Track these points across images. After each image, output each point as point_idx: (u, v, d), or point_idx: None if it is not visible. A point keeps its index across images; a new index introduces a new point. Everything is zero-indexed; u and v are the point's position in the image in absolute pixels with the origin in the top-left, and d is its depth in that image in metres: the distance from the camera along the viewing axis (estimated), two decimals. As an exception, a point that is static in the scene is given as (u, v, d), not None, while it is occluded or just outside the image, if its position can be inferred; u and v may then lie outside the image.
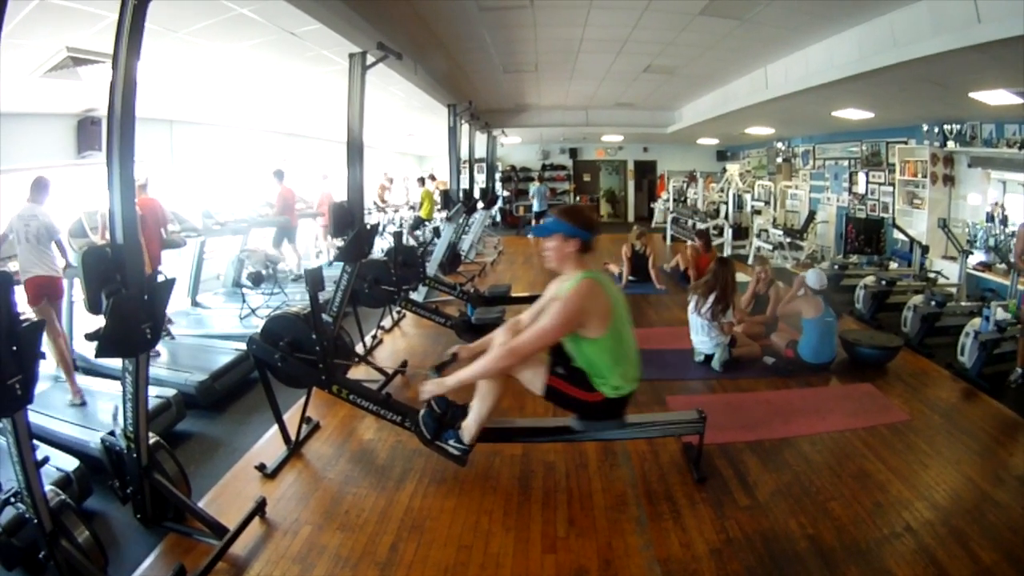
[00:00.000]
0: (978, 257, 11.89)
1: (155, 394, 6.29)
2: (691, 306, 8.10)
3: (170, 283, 4.45)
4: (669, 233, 20.91)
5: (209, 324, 10.31)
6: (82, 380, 7.05)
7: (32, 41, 6.09)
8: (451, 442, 4.94)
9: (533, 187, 24.29)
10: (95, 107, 9.24)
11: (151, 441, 4.56)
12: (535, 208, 23.86)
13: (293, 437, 5.86)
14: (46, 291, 6.83)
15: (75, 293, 7.65)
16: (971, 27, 6.50)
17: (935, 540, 4.35)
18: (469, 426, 4.87)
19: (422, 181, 20.21)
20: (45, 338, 7.06)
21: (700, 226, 17.52)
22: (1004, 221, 11.65)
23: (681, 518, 4.67)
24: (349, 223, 6.85)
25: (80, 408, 6.58)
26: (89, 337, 3.79)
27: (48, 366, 7.01)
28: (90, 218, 8.10)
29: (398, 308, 9.82)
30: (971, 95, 9.57)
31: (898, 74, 8.47)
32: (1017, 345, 7.51)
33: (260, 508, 4.74)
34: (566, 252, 4.51)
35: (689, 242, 16.65)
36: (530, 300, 10.51)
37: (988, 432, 6.16)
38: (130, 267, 3.87)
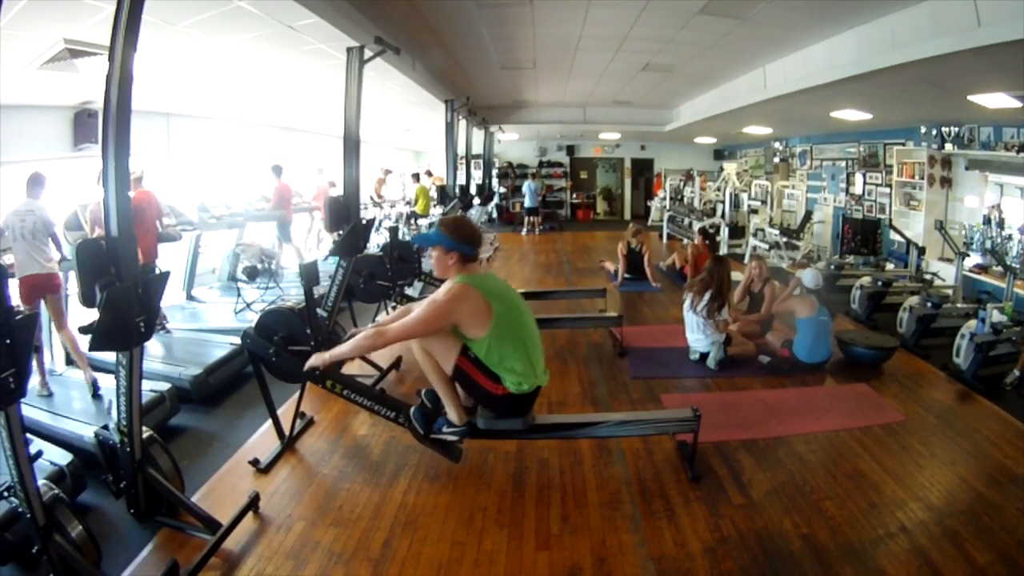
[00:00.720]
0: (974, 259, 11.90)
1: (149, 388, 6.29)
2: (687, 304, 8.10)
3: (165, 276, 4.44)
4: (665, 231, 20.90)
5: (204, 318, 10.32)
6: (75, 373, 7.05)
7: (29, 33, 6.07)
8: (444, 429, 4.96)
9: (527, 183, 24.24)
10: (92, 100, 9.20)
11: (145, 435, 4.56)
12: (527, 204, 23.81)
13: (287, 432, 5.85)
14: (41, 290, 6.81)
15: (70, 286, 7.64)
16: (971, 30, 6.50)
17: (929, 540, 4.35)
18: (448, 408, 4.92)
19: (417, 177, 20.18)
20: (54, 332, 7.14)
21: (697, 225, 17.51)
22: (1001, 224, 11.67)
23: (675, 516, 4.66)
24: (345, 218, 6.84)
25: (76, 401, 6.58)
26: (83, 330, 3.80)
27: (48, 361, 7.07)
28: (84, 211, 8.08)
29: (393, 303, 9.81)
30: (970, 98, 9.58)
31: (897, 76, 8.47)
32: (1014, 347, 7.52)
33: (253, 503, 4.73)
34: (448, 264, 4.67)
35: (685, 240, 16.69)
36: (525, 297, 10.54)
37: (983, 433, 6.15)
38: (124, 260, 3.86)
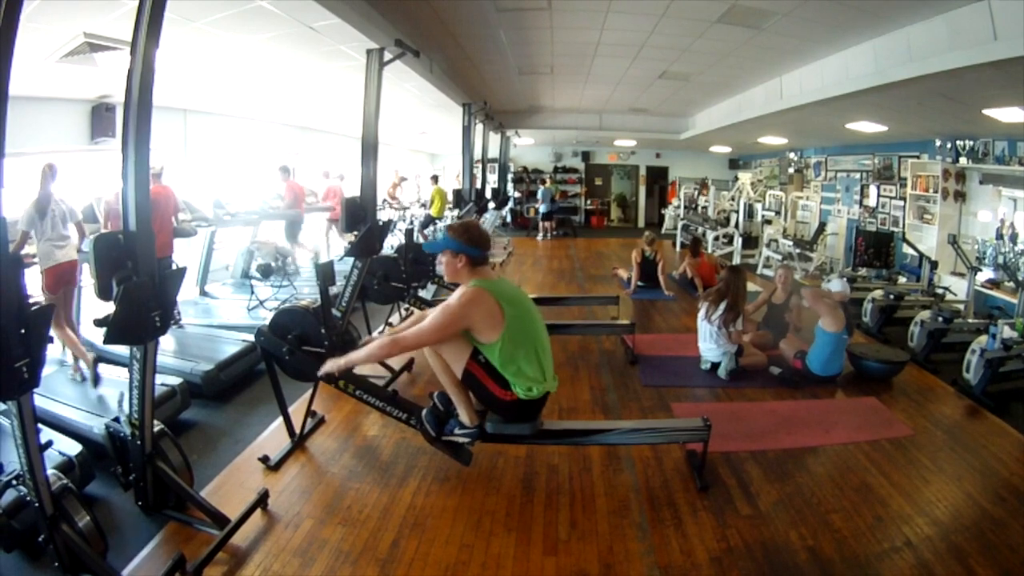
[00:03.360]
0: (986, 274, 11.85)
1: (161, 382, 6.30)
2: (701, 313, 8.08)
3: (181, 272, 4.47)
4: (679, 240, 20.88)
5: (217, 314, 10.35)
6: (85, 365, 7.08)
7: (49, 25, 6.10)
8: (456, 431, 4.97)
9: (541, 189, 24.23)
10: (110, 93, 9.26)
11: (155, 429, 4.58)
12: (542, 210, 23.78)
13: (297, 430, 5.88)
14: (66, 278, 6.86)
15: (84, 278, 7.67)
16: (988, 43, 6.49)
17: (934, 556, 4.34)
18: (459, 410, 4.93)
19: (435, 179, 20.21)
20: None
21: (711, 235, 17.53)
22: (1014, 239, 11.61)
23: (683, 525, 4.67)
24: (361, 219, 6.86)
25: (85, 392, 6.62)
26: (98, 323, 3.81)
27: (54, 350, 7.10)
28: (100, 204, 8.12)
29: (407, 305, 9.82)
30: (985, 112, 9.56)
31: (913, 88, 8.45)
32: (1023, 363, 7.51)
33: (262, 500, 4.76)
34: (457, 267, 4.69)
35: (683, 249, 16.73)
36: (538, 302, 10.56)
37: (990, 450, 6.13)
38: (142, 254, 3.89)
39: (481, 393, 4.76)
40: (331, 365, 4.84)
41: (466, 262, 4.62)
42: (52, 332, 7.01)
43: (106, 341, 3.88)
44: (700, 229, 19.27)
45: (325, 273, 5.63)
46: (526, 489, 5.14)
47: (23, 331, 3.23)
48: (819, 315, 7.84)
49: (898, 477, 5.49)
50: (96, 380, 6.75)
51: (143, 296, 3.88)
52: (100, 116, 9.51)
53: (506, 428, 4.93)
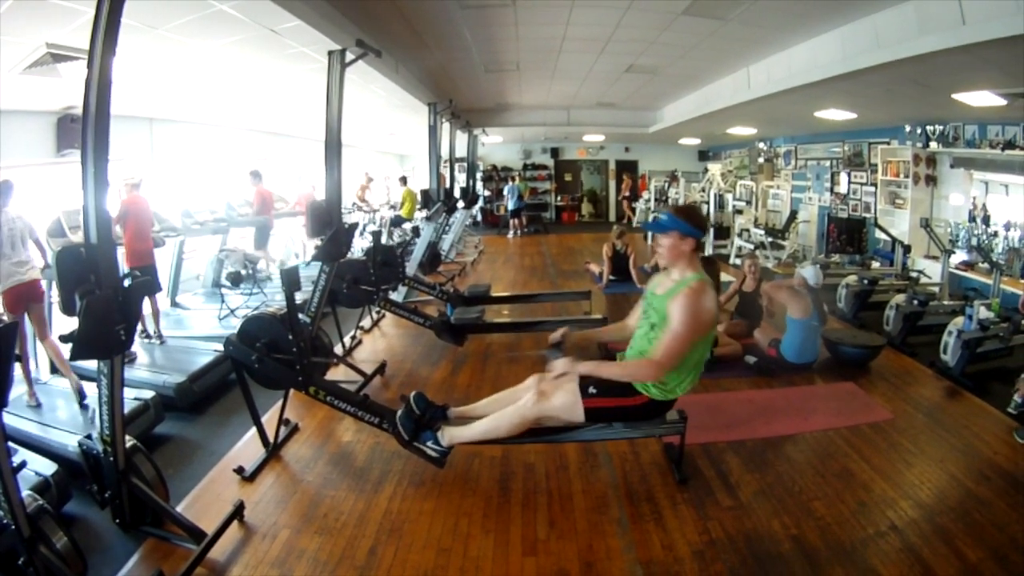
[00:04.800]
0: (960, 256, 11.95)
1: (133, 396, 6.26)
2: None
3: (146, 284, 4.40)
4: (650, 233, 20.77)
5: (188, 325, 10.25)
6: (60, 382, 7.00)
7: (11, 37, 6.01)
8: (429, 443, 4.93)
9: (507, 186, 24.21)
10: (75, 104, 9.13)
11: (128, 444, 4.52)
12: (510, 207, 23.88)
13: (271, 439, 5.83)
14: (26, 299, 6.75)
15: (54, 294, 7.60)
16: (956, 28, 6.51)
17: (920, 539, 4.35)
18: (459, 435, 4.89)
19: (404, 180, 20.15)
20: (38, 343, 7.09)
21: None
22: (986, 221, 11.72)
23: (663, 519, 4.65)
24: (327, 222, 6.82)
25: (60, 411, 6.54)
26: (64, 339, 3.76)
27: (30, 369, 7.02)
28: (69, 217, 8.03)
29: (377, 308, 9.77)
30: (954, 96, 9.60)
31: (881, 75, 8.48)
32: (1001, 343, 7.54)
33: (238, 512, 4.71)
34: (682, 250, 4.46)
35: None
36: (510, 300, 10.49)
37: (971, 430, 6.16)
38: (104, 268, 3.83)
39: (612, 416, 4.71)
40: (566, 365, 4.59)
41: (693, 246, 4.47)
42: (42, 349, 7.03)
43: (72, 357, 3.83)
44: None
45: (290, 279, 5.56)
46: (503, 489, 5.12)
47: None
48: (786, 304, 7.86)
49: (879, 461, 5.51)
50: (81, 396, 6.66)
51: (107, 310, 3.82)
52: (66, 128, 9.38)
53: (639, 425, 4.91)
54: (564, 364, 4.57)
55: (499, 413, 4.75)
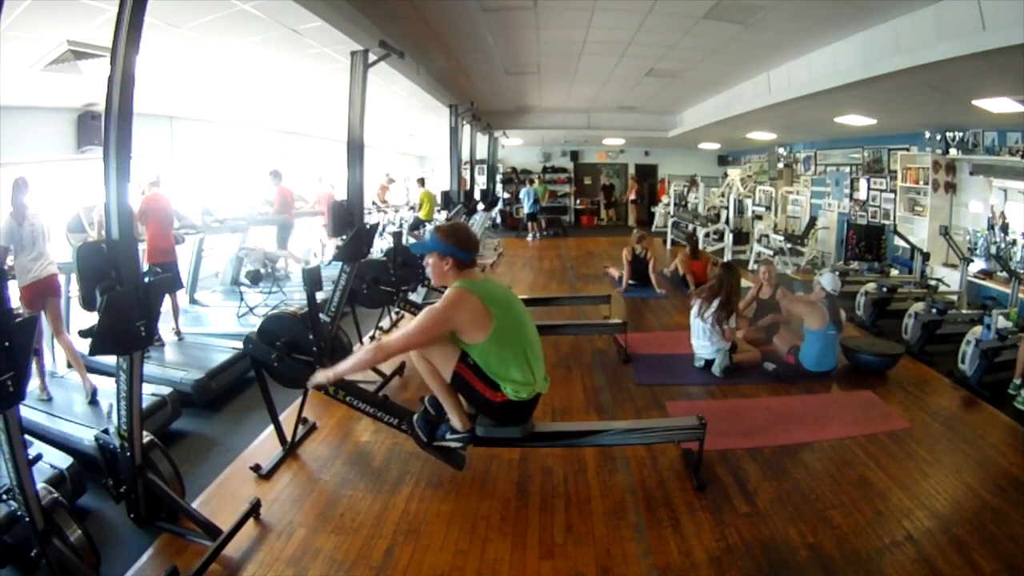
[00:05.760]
0: (979, 265, 11.87)
1: (151, 392, 6.31)
2: (694, 310, 8.03)
3: (166, 280, 4.42)
4: (669, 237, 20.80)
5: (207, 322, 10.32)
6: (76, 376, 7.03)
7: (33, 34, 6.05)
8: (448, 436, 4.91)
9: (523, 190, 24.22)
10: (96, 102, 9.19)
11: (145, 440, 4.54)
12: (526, 210, 23.81)
13: (289, 438, 5.82)
14: (44, 293, 6.77)
15: (72, 288, 7.62)
16: (976, 34, 6.47)
17: (935, 549, 4.32)
18: (450, 414, 4.88)
19: (422, 182, 20.18)
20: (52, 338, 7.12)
21: (701, 231, 17.53)
22: (1005, 229, 11.64)
23: (680, 525, 4.63)
24: (348, 222, 6.82)
25: (76, 405, 6.56)
26: (83, 334, 3.78)
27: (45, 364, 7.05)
28: (88, 213, 8.07)
29: (396, 309, 9.78)
30: (974, 102, 9.54)
31: (901, 80, 8.43)
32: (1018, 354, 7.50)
33: (254, 509, 4.71)
34: (444, 269, 4.63)
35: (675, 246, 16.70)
36: (529, 303, 10.51)
37: (988, 440, 6.13)
38: (125, 264, 3.84)
39: (471, 395, 4.72)
40: (320, 376, 4.86)
41: (453, 264, 4.56)
42: (57, 343, 7.06)
43: (92, 352, 3.85)
44: (691, 226, 19.24)
45: (311, 278, 5.58)
46: (520, 493, 5.10)
47: (6, 344, 3.18)
48: (802, 315, 7.85)
49: (896, 471, 5.47)
50: (92, 396, 6.68)
51: (127, 306, 3.84)
52: (86, 124, 9.45)
53: (496, 431, 4.90)
54: (319, 375, 4.98)
55: (353, 357, 4.90)
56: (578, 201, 29.20)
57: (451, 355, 4.58)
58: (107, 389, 6.74)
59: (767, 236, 17.16)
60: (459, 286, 4.48)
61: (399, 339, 4.52)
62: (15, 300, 6.40)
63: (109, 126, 3.71)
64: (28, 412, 6.05)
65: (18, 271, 6.52)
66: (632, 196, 27.41)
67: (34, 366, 6.74)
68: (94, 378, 6.91)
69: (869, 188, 16.30)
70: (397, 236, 9.64)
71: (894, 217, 14.86)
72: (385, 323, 9.97)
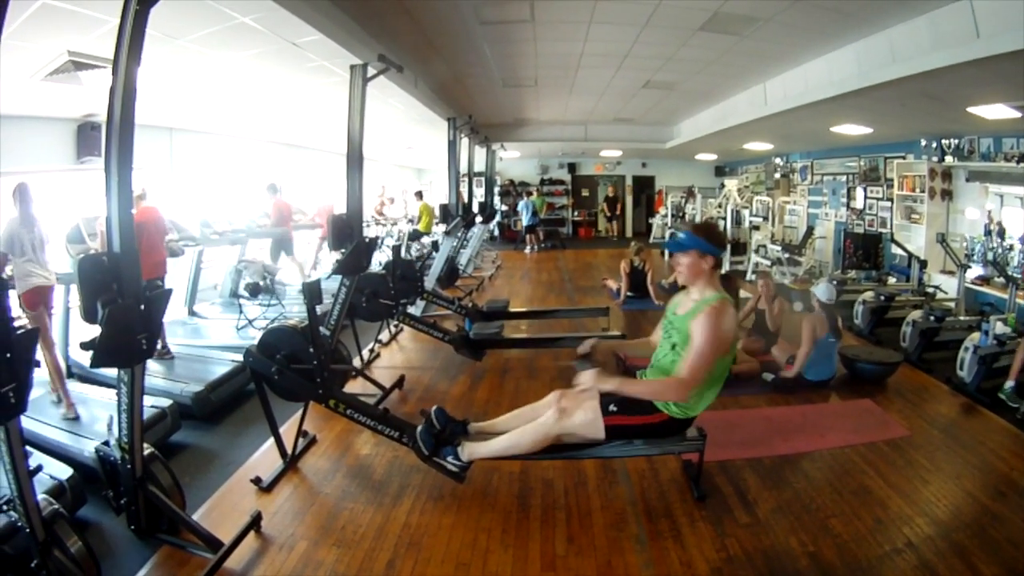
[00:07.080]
0: (976, 271, 11.89)
1: (150, 404, 6.28)
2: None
3: (167, 294, 4.42)
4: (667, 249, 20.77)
5: (206, 334, 10.31)
6: (78, 388, 7.03)
7: (33, 44, 6.07)
8: (449, 459, 4.90)
9: (521, 202, 24.26)
10: (95, 112, 9.22)
11: (146, 452, 4.53)
12: (525, 223, 23.91)
13: (289, 451, 5.83)
14: (44, 299, 6.78)
15: (71, 299, 7.63)
16: (970, 42, 6.51)
17: (936, 556, 4.34)
18: (479, 450, 4.86)
19: (419, 195, 20.20)
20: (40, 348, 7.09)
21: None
22: (1001, 234, 11.67)
23: (681, 536, 4.64)
24: (348, 236, 6.83)
25: (75, 417, 6.55)
26: (84, 346, 3.77)
27: (42, 373, 7.03)
28: (88, 224, 8.06)
29: (396, 322, 9.79)
30: (969, 110, 9.58)
31: (897, 89, 8.46)
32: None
33: (255, 522, 4.71)
34: (702, 268, 4.44)
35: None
36: (528, 316, 10.48)
37: (988, 446, 6.16)
38: (126, 276, 3.85)
39: (633, 434, 4.63)
40: (591, 379, 4.43)
41: (712, 264, 4.46)
42: (41, 354, 7.03)
43: (93, 364, 3.85)
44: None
45: (312, 292, 5.58)
46: (522, 505, 5.12)
47: (8, 355, 3.19)
48: (799, 324, 7.87)
49: (896, 478, 5.50)
50: (75, 416, 6.65)
51: (129, 319, 3.85)
52: (86, 135, 9.45)
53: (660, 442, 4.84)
54: (590, 377, 4.44)
55: (520, 429, 4.72)
56: (576, 213, 29.25)
57: (593, 415, 4.51)
58: (101, 400, 6.79)
59: (765, 246, 17.18)
60: (723, 298, 4.34)
61: (694, 372, 4.21)
62: (15, 308, 6.41)
63: (111, 137, 3.72)
64: (27, 422, 6.04)
65: (19, 277, 6.53)
66: (609, 213, 27.59)
67: (56, 383, 6.78)
68: (94, 390, 6.92)
69: (866, 197, 16.34)
70: (396, 249, 9.65)
71: (891, 225, 14.91)
72: (384, 336, 9.98)
